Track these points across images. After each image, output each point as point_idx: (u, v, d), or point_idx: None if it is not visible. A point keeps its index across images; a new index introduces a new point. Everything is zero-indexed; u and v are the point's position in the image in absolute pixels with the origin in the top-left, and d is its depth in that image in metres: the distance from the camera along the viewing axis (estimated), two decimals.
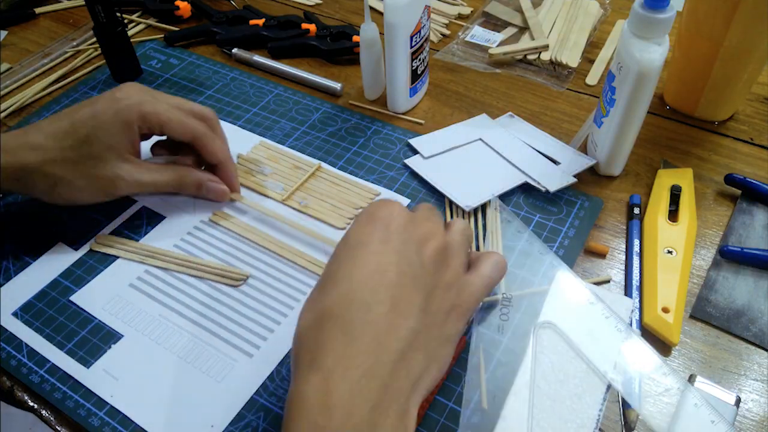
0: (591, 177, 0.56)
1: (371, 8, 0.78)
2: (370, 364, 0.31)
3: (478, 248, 0.50)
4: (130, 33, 0.76)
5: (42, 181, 0.48)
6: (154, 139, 0.54)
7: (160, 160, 0.54)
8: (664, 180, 0.54)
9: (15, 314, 0.47)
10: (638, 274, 0.47)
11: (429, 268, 0.36)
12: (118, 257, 0.51)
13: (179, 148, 0.54)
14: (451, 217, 0.52)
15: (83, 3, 0.73)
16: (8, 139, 0.48)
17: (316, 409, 0.30)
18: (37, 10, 0.81)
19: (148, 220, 0.54)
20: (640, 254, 0.49)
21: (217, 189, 0.53)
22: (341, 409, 0.29)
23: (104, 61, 0.70)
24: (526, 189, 0.55)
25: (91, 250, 0.51)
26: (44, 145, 0.47)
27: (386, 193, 0.55)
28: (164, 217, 0.54)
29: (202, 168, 0.55)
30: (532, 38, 0.71)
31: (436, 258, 0.36)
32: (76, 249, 0.52)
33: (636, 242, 0.50)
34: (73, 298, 0.48)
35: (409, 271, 0.34)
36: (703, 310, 0.46)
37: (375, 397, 0.30)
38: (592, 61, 0.69)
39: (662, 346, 0.44)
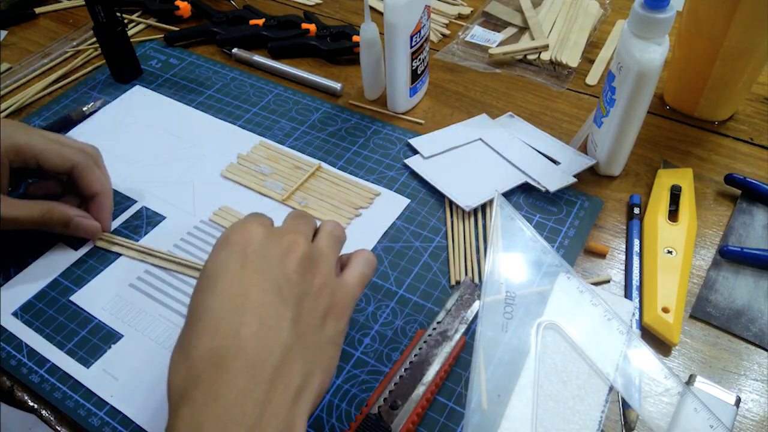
0: (591, 177, 0.56)
1: (371, 8, 0.78)
2: (243, 387, 0.30)
3: (478, 248, 0.50)
4: (130, 33, 0.76)
5: None
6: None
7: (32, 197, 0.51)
8: (664, 180, 0.54)
9: (15, 314, 0.47)
10: (638, 274, 0.47)
11: (294, 279, 0.35)
12: (120, 255, 0.51)
13: (56, 191, 0.52)
14: (452, 217, 0.52)
15: (83, 3, 0.73)
16: None
17: None
18: (37, 10, 0.81)
19: (148, 220, 0.54)
20: (640, 254, 0.49)
21: (87, 225, 0.50)
22: None
23: (104, 61, 0.70)
24: (526, 189, 0.55)
25: (91, 250, 0.51)
26: None
27: (386, 193, 0.55)
28: (164, 217, 0.54)
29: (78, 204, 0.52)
30: (532, 38, 0.71)
31: (300, 267, 0.36)
32: (76, 249, 0.52)
33: (636, 242, 0.50)
34: (73, 298, 0.48)
35: (273, 287, 0.34)
36: (703, 310, 0.46)
37: (251, 419, 0.30)
38: (592, 61, 0.69)
39: (662, 346, 0.44)
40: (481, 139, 0.59)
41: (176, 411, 0.31)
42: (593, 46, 0.71)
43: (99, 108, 0.65)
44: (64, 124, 0.63)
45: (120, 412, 0.41)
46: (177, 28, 0.76)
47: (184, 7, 0.77)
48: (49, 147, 0.48)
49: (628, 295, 0.46)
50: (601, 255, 0.50)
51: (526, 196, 0.54)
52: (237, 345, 0.31)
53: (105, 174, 0.52)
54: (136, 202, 0.55)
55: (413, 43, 0.57)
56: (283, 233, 0.37)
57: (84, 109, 0.64)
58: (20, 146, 0.47)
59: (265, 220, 0.38)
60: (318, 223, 0.41)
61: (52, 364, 0.44)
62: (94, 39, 0.75)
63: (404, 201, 0.54)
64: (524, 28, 0.73)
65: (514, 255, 0.48)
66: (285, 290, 0.34)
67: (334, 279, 0.38)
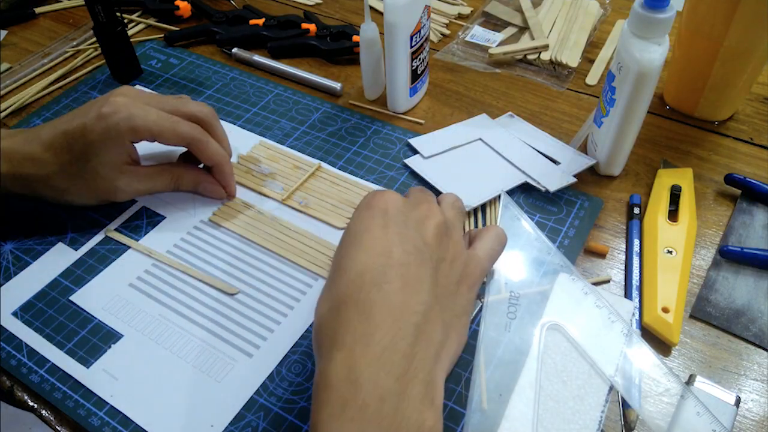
0: (591, 177, 0.56)
1: (371, 8, 0.78)
2: (390, 338, 0.32)
3: None
4: (130, 33, 0.76)
5: (48, 191, 0.50)
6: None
7: (154, 161, 0.55)
8: (664, 180, 0.54)
9: (15, 314, 0.47)
10: (638, 274, 0.47)
11: (432, 244, 0.37)
12: (120, 255, 0.51)
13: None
14: None
15: (83, 3, 0.73)
16: (10, 148, 0.49)
17: (342, 384, 0.31)
18: (37, 10, 0.81)
19: (148, 220, 0.54)
20: (640, 254, 0.49)
21: (213, 189, 0.54)
22: (366, 381, 0.30)
23: (104, 61, 0.70)
24: (526, 189, 0.55)
25: (91, 250, 0.51)
26: (42, 158, 0.49)
27: None
28: (164, 217, 0.54)
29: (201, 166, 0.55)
30: (532, 38, 0.71)
31: (437, 234, 0.38)
32: (76, 249, 0.52)
33: (636, 242, 0.50)
34: (73, 297, 0.48)
35: (413, 249, 0.35)
36: (703, 310, 0.46)
37: (399, 369, 0.31)
38: (592, 61, 0.69)
39: (662, 346, 0.44)
40: (481, 139, 0.59)
41: (330, 354, 0.32)
42: (593, 46, 0.71)
43: None
44: None
45: (120, 412, 0.41)
46: (177, 28, 0.76)
47: (184, 7, 0.77)
48: (164, 126, 0.49)
49: (628, 295, 0.46)
50: (601, 255, 0.50)
51: (526, 196, 0.54)
52: (382, 300, 0.33)
53: (222, 140, 0.53)
54: (136, 202, 0.55)
55: (413, 43, 0.57)
56: (419, 201, 0.40)
57: None
58: (137, 128, 0.49)
59: (392, 192, 0.40)
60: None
61: (52, 363, 0.44)
62: (94, 39, 0.75)
63: None
64: (524, 28, 0.73)
65: (518, 255, 0.48)
66: (424, 254, 0.36)
67: (465, 250, 0.40)
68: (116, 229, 0.53)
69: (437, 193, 0.54)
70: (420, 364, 0.32)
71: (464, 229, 0.45)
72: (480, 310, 0.45)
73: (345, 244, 0.36)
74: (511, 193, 0.54)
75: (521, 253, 0.48)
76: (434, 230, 0.38)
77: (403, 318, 0.33)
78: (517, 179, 0.55)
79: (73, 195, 0.51)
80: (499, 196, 0.54)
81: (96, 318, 0.47)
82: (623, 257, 0.50)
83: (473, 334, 0.45)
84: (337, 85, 0.65)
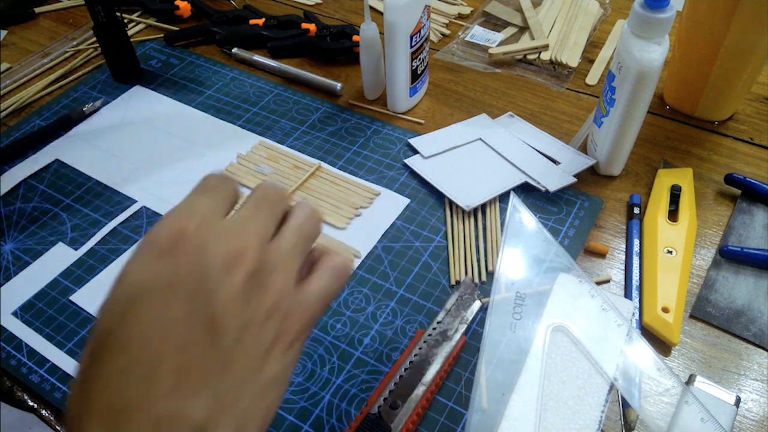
0: (591, 177, 0.56)
1: (371, 8, 0.78)
2: None
3: (477, 248, 0.50)
4: (130, 33, 0.76)
5: None
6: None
7: None
8: (664, 180, 0.54)
9: (15, 314, 0.47)
10: (638, 274, 0.47)
11: (234, 308, 0.27)
12: (129, 247, 0.51)
13: None
14: (452, 216, 0.52)
15: (83, 3, 0.73)
16: None
17: None
18: (37, 10, 0.81)
19: (148, 220, 0.54)
20: (640, 254, 0.49)
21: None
22: None
23: (104, 60, 0.70)
24: (526, 189, 0.55)
25: (91, 250, 0.51)
26: None
27: (386, 193, 0.55)
28: None
29: None
30: (532, 38, 0.71)
31: (246, 288, 0.27)
32: (76, 249, 0.52)
33: (636, 242, 0.50)
34: (73, 297, 0.48)
35: (205, 320, 0.26)
36: (703, 310, 0.46)
37: None
38: (592, 61, 0.69)
39: (662, 345, 0.44)
40: (481, 138, 0.59)
41: None
42: (593, 45, 0.71)
43: (99, 108, 0.65)
44: (63, 124, 0.63)
45: None
46: (177, 28, 0.76)
47: (184, 7, 0.77)
48: None
49: (628, 295, 0.46)
50: (601, 255, 0.50)
51: (526, 196, 0.54)
52: (145, 406, 0.24)
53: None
54: (136, 202, 0.55)
55: (413, 43, 0.57)
56: (234, 231, 0.28)
57: (84, 109, 0.64)
58: None
59: (212, 201, 0.29)
60: (288, 206, 0.32)
61: (52, 363, 0.44)
62: (94, 39, 0.75)
63: (404, 201, 0.54)
64: (524, 28, 0.73)
65: (526, 256, 0.47)
66: (220, 325, 0.26)
67: (291, 294, 0.29)
68: (116, 229, 0.53)
69: (437, 193, 0.54)
70: None
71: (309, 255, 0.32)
72: (480, 310, 0.45)
73: (116, 307, 0.27)
74: (510, 193, 0.54)
75: (529, 254, 0.48)
76: (242, 283, 0.27)
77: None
78: (517, 179, 0.55)
79: None
80: (499, 197, 0.54)
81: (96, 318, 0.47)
82: (623, 257, 0.50)
83: (471, 334, 0.45)
84: (337, 85, 0.65)
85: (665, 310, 0.44)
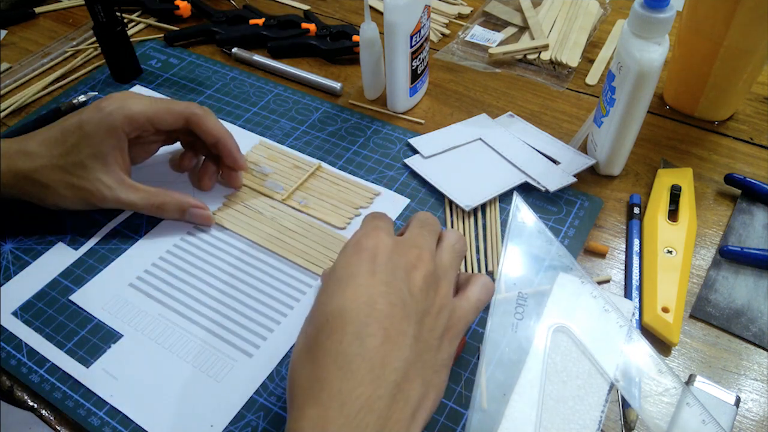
0: (591, 177, 0.56)
1: (371, 8, 0.78)
2: (366, 397, 0.30)
3: (477, 248, 0.50)
4: (129, 32, 0.76)
5: (32, 188, 0.49)
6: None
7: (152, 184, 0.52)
8: (664, 180, 0.54)
9: (15, 314, 0.47)
10: (638, 273, 0.47)
11: (418, 296, 0.35)
12: (119, 255, 0.51)
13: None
14: (451, 217, 0.52)
15: (83, 2, 0.73)
16: (8, 145, 0.49)
17: None
18: (37, 10, 0.81)
19: (148, 219, 0.54)
20: (640, 254, 0.49)
21: (201, 214, 0.52)
22: None
23: (104, 60, 0.70)
24: (526, 189, 0.55)
25: (91, 250, 0.51)
26: (36, 152, 0.48)
27: (386, 193, 0.55)
28: None
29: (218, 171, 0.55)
30: (532, 38, 0.71)
31: (425, 285, 0.36)
32: (76, 249, 0.52)
33: (636, 242, 0.50)
34: (73, 297, 0.48)
35: (398, 301, 0.34)
36: (703, 310, 0.46)
37: (373, 430, 0.30)
38: (592, 61, 0.69)
39: (662, 345, 0.44)
40: (481, 138, 0.59)
41: (302, 410, 0.31)
42: (593, 45, 0.71)
43: (90, 100, 0.65)
44: (54, 117, 0.62)
45: (120, 412, 0.41)
46: (177, 28, 0.76)
47: (184, 7, 0.77)
48: (159, 108, 0.50)
49: (627, 294, 0.46)
50: (601, 255, 0.50)
51: (526, 195, 0.54)
52: (362, 353, 0.31)
53: (218, 120, 0.52)
54: None
55: (413, 43, 0.57)
56: (411, 246, 0.37)
57: (74, 101, 0.64)
58: (132, 114, 0.48)
59: (389, 226, 0.38)
60: (441, 230, 0.41)
61: (52, 363, 0.44)
62: (94, 39, 0.75)
63: (404, 201, 0.54)
64: (524, 28, 0.73)
65: (527, 255, 0.47)
66: (409, 306, 0.34)
67: (452, 300, 0.38)
68: (116, 229, 0.53)
69: (437, 193, 0.54)
70: (395, 425, 0.31)
71: (460, 270, 0.41)
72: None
73: (329, 288, 0.35)
74: (511, 192, 0.54)
75: (531, 254, 0.47)
76: (422, 281, 0.36)
77: (382, 375, 0.31)
78: (517, 179, 0.55)
79: (53, 195, 0.49)
80: (499, 197, 0.54)
81: (96, 318, 0.47)
82: (623, 257, 0.50)
83: (475, 335, 0.45)
84: (337, 85, 0.65)
85: (665, 310, 0.44)
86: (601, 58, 0.69)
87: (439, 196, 0.54)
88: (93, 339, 0.45)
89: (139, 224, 0.53)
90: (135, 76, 0.69)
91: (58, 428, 0.42)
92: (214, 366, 0.43)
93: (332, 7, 0.80)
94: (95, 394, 0.42)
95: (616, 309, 0.43)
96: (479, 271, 0.49)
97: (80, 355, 0.45)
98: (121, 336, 0.45)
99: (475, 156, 0.57)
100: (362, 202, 0.54)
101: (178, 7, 0.77)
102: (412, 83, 0.61)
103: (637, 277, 0.47)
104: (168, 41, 0.74)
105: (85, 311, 0.47)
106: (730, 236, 0.50)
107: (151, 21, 0.78)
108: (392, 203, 0.54)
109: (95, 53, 0.74)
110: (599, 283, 0.48)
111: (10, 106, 0.66)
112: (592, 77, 0.67)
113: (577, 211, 0.53)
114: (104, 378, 0.43)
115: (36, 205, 0.54)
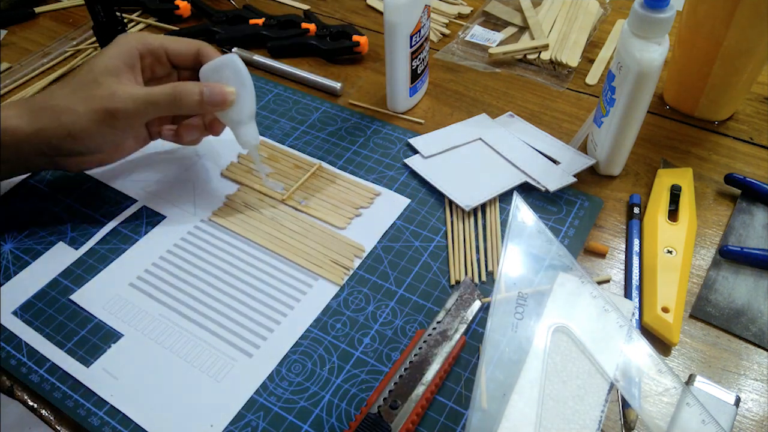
0: (591, 177, 0.56)
1: (371, 8, 0.78)
2: None
3: (477, 248, 0.50)
4: (129, 32, 0.76)
5: (49, 120, 0.48)
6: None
7: None
8: (664, 180, 0.54)
9: (15, 313, 0.47)
10: (638, 273, 0.47)
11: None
12: (119, 255, 0.51)
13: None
14: (451, 216, 0.52)
15: (83, 2, 0.73)
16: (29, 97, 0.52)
17: None
18: (37, 10, 0.81)
19: (148, 219, 0.54)
20: (640, 254, 0.49)
21: (219, 91, 0.49)
22: None
23: None
24: (526, 189, 0.55)
25: (91, 250, 0.51)
26: (53, 87, 0.50)
27: (386, 193, 0.55)
28: (164, 217, 0.54)
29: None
30: (532, 38, 0.71)
31: None
32: (76, 249, 0.52)
33: (636, 242, 0.50)
34: (73, 297, 0.48)
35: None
36: (702, 310, 0.46)
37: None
38: (592, 61, 0.69)
39: (662, 345, 0.44)
40: (481, 138, 0.59)
41: None
42: (593, 45, 0.71)
43: None
44: None
45: (120, 412, 0.41)
46: (177, 28, 0.76)
47: (184, 7, 0.77)
48: (173, 38, 0.53)
49: (627, 294, 0.46)
50: (601, 255, 0.50)
51: (525, 195, 0.54)
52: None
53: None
54: (136, 201, 0.55)
55: (413, 43, 0.57)
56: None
57: None
58: (146, 36, 0.51)
59: None
60: None
61: (52, 363, 0.44)
62: (94, 38, 0.75)
63: (404, 201, 0.54)
64: (524, 28, 0.73)
65: (527, 255, 0.47)
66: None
67: None
68: (116, 229, 0.53)
69: (437, 193, 0.54)
70: None
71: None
72: (480, 310, 0.45)
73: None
74: (511, 192, 0.54)
75: (531, 253, 0.48)
76: None
77: None
78: (517, 179, 0.55)
79: (72, 116, 0.47)
80: (499, 197, 0.54)
81: (96, 317, 0.47)
82: (623, 257, 0.50)
83: (471, 334, 0.45)
84: (337, 85, 0.65)
85: (665, 310, 0.44)
86: (601, 58, 0.69)
87: (439, 196, 0.54)
88: (93, 339, 0.45)
89: (139, 224, 0.53)
90: None
91: (57, 428, 0.42)
92: (214, 366, 0.44)
93: (332, 7, 0.80)
94: (95, 393, 0.42)
95: (616, 309, 0.43)
96: (479, 271, 0.49)
97: (80, 354, 0.45)
98: (121, 336, 0.46)
99: (475, 156, 0.57)
100: (362, 202, 0.54)
101: (178, 7, 0.77)
102: (412, 83, 0.61)
103: (637, 277, 0.47)
104: None
105: (85, 311, 0.47)
106: (730, 236, 0.50)
107: (151, 21, 0.78)
108: (392, 203, 0.54)
109: (95, 53, 0.74)
110: (599, 283, 0.48)
111: None
112: (592, 77, 0.67)
113: (577, 211, 0.53)
114: (104, 378, 0.43)
115: (36, 205, 0.54)
